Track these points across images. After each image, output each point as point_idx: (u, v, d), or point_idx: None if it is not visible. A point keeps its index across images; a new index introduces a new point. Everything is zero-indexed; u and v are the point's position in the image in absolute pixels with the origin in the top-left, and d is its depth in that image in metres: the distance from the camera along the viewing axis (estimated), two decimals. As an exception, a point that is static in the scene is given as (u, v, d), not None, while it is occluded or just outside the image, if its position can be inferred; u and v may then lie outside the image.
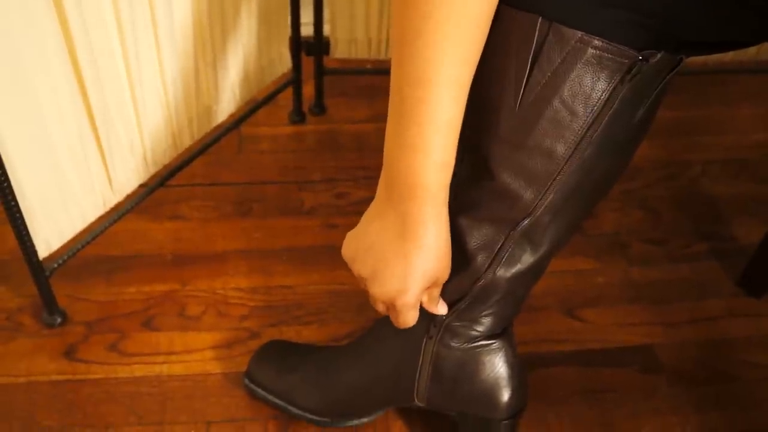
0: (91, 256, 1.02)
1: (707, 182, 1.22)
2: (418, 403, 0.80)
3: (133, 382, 0.90)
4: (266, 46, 1.16)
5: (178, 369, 0.92)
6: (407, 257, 0.58)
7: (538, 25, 0.51)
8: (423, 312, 0.68)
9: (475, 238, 0.64)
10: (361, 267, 0.62)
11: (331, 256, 1.05)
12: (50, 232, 0.89)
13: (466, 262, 0.66)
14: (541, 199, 0.60)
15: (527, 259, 0.66)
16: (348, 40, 1.26)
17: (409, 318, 0.63)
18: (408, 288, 0.60)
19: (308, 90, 1.28)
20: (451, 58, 0.49)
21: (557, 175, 0.58)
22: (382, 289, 0.61)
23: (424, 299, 0.65)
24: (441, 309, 0.67)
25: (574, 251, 1.08)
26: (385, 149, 0.56)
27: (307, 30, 1.17)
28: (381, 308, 0.65)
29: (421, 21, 0.48)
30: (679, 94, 1.38)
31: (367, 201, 0.61)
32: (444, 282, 0.63)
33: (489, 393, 0.75)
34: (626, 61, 0.51)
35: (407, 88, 0.52)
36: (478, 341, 0.74)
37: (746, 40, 0.53)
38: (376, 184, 0.59)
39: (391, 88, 0.53)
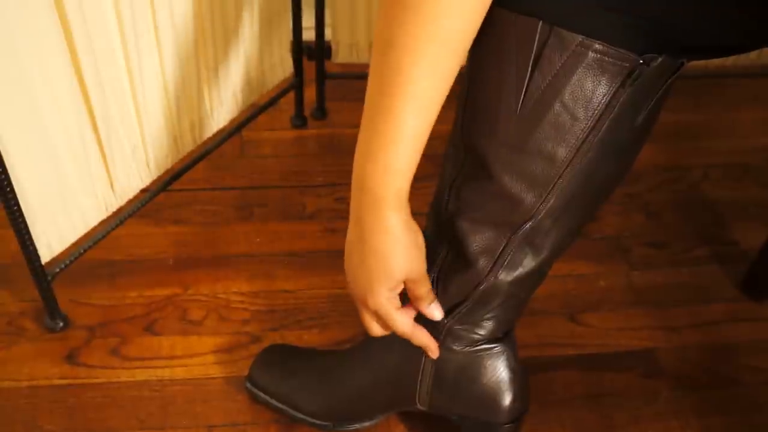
0: (93, 260, 1.02)
1: (709, 186, 1.22)
2: (420, 407, 0.80)
3: (135, 386, 0.90)
4: (268, 51, 1.16)
5: (179, 373, 0.92)
6: (365, 261, 0.59)
7: (539, 28, 0.51)
8: (424, 316, 0.68)
9: (476, 242, 0.64)
10: (345, 273, 0.64)
11: (333, 260, 1.05)
12: (52, 236, 0.89)
13: (468, 266, 0.66)
14: (542, 203, 0.60)
15: (529, 263, 0.66)
16: (349, 45, 1.26)
17: (397, 324, 0.64)
18: (372, 289, 0.61)
19: (310, 94, 1.29)
20: (422, 70, 0.49)
21: (558, 179, 0.58)
22: (354, 292, 0.63)
23: (411, 298, 0.66)
24: (435, 311, 0.67)
25: (576, 255, 1.08)
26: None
27: (308, 34, 1.18)
28: (369, 324, 0.66)
29: (396, 30, 0.48)
30: (680, 97, 1.38)
31: (369, 205, 0.61)
32: (423, 279, 0.63)
33: (491, 397, 0.75)
34: (627, 64, 0.52)
35: (376, 96, 0.52)
36: (480, 345, 0.74)
37: (745, 44, 0.54)
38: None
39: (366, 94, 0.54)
